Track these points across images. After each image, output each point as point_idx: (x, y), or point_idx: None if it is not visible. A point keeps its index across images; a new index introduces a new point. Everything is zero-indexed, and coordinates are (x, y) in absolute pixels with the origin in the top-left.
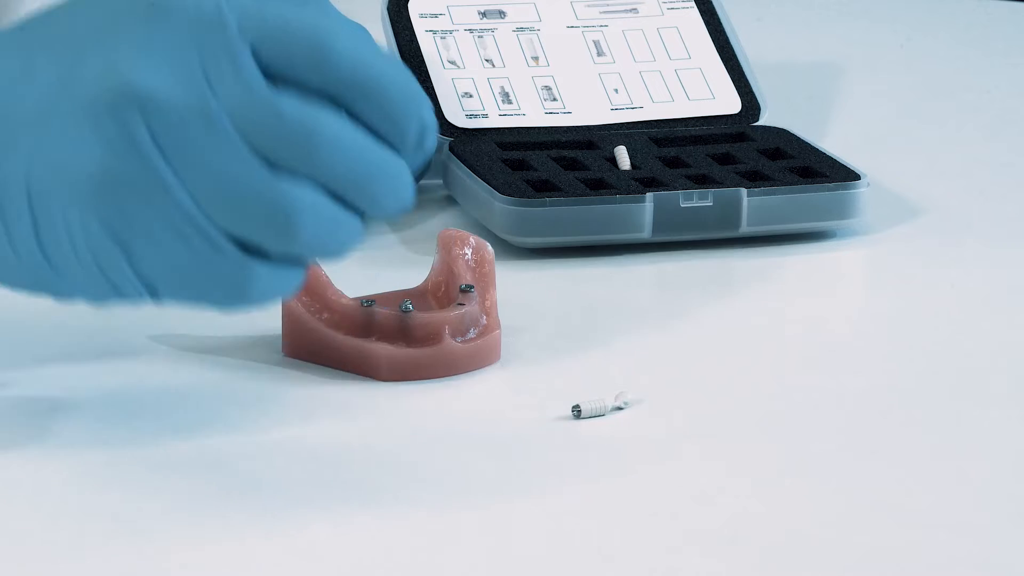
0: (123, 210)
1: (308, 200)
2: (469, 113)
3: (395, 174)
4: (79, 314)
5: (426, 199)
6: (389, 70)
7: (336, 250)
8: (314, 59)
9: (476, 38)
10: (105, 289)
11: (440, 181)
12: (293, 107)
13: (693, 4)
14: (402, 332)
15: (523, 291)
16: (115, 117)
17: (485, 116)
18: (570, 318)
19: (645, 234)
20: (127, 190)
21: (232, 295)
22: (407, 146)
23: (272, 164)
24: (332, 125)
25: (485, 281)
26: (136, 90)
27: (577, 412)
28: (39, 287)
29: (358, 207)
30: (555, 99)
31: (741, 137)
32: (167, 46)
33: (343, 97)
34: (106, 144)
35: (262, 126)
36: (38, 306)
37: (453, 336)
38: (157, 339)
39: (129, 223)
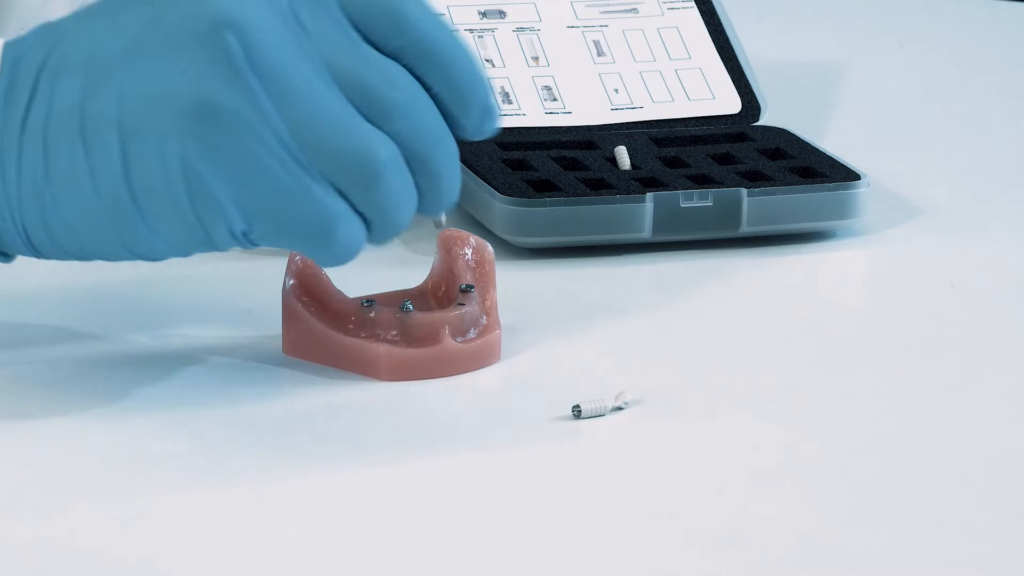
0: (223, 136)
1: (390, 153)
2: None
3: (452, 152)
4: (80, 314)
5: None
6: (461, 46)
7: (400, 219)
8: (392, 22)
9: (476, 38)
10: (190, 228)
11: None
12: (378, 55)
13: (693, 4)
14: (402, 332)
15: (523, 291)
16: (213, 39)
17: None
18: (570, 318)
19: (645, 234)
20: (226, 115)
21: (320, 236)
22: (470, 121)
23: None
24: (409, 81)
25: (485, 281)
26: (231, 17)
27: (577, 412)
28: (115, 233)
29: (418, 179)
30: (555, 99)
31: (741, 137)
32: None
33: (415, 64)
34: (205, 67)
35: (350, 69)
36: (42, 305)
37: (453, 336)
38: (157, 339)
39: (228, 150)
